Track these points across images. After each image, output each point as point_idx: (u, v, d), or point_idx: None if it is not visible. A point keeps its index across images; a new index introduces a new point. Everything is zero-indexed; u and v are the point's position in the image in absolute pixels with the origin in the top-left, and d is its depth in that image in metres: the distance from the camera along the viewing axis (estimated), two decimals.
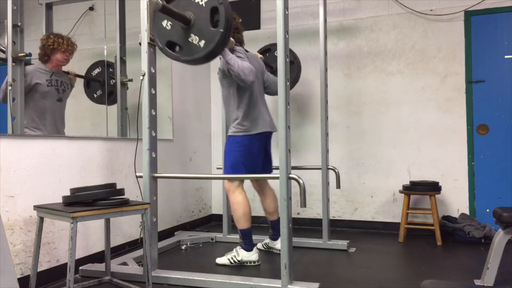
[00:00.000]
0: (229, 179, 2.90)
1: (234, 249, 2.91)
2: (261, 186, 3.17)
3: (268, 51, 3.84)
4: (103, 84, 3.35)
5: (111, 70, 3.41)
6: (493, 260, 2.35)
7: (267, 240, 3.31)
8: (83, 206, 2.13)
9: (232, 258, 2.88)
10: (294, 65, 3.83)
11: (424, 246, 3.44)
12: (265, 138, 3.00)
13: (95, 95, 3.33)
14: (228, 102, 2.95)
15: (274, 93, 3.17)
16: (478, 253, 3.18)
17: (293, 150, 4.21)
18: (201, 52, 2.30)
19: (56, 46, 2.93)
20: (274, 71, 3.46)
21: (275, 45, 3.67)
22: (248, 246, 2.88)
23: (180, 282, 2.50)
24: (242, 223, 2.86)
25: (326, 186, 3.40)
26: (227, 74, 2.82)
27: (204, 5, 2.28)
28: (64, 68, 3.07)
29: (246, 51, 3.01)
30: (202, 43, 2.29)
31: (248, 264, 2.87)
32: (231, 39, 2.72)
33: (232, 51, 2.80)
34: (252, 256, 2.87)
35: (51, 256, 2.58)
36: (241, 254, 2.87)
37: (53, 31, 3.18)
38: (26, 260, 2.40)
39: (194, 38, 2.30)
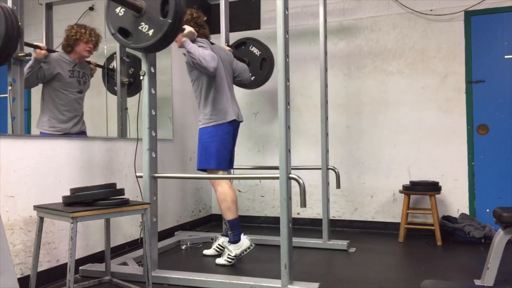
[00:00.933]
0: (215, 173, 2.95)
1: (225, 248, 2.94)
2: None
3: (243, 44, 3.91)
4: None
5: (127, 60, 3.42)
6: (493, 260, 2.35)
7: (220, 238, 3.23)
8: (83, 206, 2.14)
9: (228, 258, 2.88)
10: (267, 62, 3.87)
11: (424, 246, 3.44)
12: (234, 127, 3.06)
13: (115, 88, 3.33)
14: (197, 94, 3.01)
15: (246, 80, 3.29)
16: (478, 253, 3.18)
17: (293, 150, 4.21)
18: (149, 40, 2.36)
19: (79, 37, 2.94)
20: (248, 65, 3.60)
21: (250, 39, 3.85)
22: (236, 237, 2.89)
23: (180, 282, 2.50)
24: (232, 213, 2.89)
25: (326, 186, 3.40)
26: (193, 66, 2.89)
27: None
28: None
29: (212, 43, 3.07)
30: (151, 31, 2.35)
31: (245, 252, 2.88)
32: (192, 30, 2.84)
33: (194, 42, 2.87)
34: (243, 245, 2.88)
35: (51, 256, 2.58)
36: (233, 250, 2.87)
37: (52, 31, 3.18)
38: (26, 260, 2.40)
39: (144, 27, 2.37)
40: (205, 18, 3.11)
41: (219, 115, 2.94)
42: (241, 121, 3.14)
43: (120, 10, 2.43)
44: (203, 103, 2.98)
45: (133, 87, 3.44)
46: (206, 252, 3.19)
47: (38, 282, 2.29)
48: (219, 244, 3.17)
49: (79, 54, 3.00)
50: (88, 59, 3.12)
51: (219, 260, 2.93)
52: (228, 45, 3.59)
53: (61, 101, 2.93)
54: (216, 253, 3.15)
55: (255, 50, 3.82)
